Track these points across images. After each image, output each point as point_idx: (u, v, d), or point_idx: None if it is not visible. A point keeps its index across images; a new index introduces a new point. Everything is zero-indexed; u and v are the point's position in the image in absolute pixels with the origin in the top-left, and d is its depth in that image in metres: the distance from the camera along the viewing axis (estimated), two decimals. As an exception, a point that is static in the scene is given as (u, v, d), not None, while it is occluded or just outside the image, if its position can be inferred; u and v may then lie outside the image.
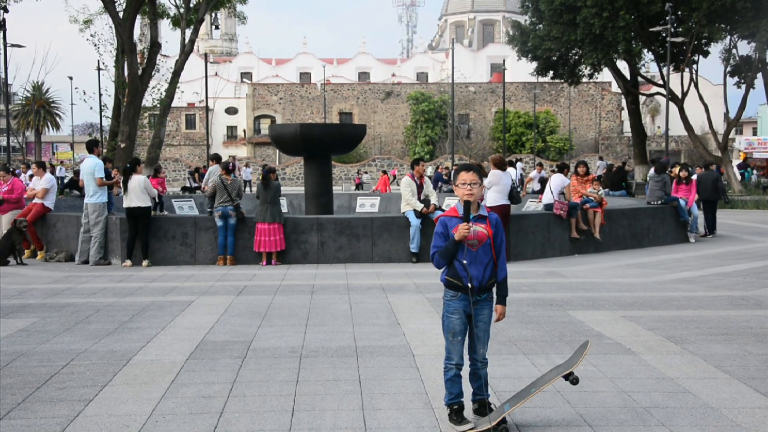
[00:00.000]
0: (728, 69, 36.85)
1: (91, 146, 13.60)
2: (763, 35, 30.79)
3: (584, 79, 39.58)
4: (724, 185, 21.66)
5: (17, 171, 23.58)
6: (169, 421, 4.73)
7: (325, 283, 10.74)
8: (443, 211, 11.81)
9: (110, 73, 28.81)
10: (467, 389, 4.69)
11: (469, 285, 4.48)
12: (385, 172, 31.47)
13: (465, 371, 4.63)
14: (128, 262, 12.79)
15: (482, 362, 4.62)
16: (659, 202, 16.17)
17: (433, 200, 13.29)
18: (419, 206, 12.97)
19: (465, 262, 4.48)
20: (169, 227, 13.22)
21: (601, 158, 46.48)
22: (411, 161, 13.97)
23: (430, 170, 44.92)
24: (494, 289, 4.64)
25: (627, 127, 57.07)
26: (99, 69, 39.07)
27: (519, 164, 29.86)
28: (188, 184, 29.12)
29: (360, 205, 20.51)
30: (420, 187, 13.19)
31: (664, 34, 33.10)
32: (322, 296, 9.53)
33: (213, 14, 64.51)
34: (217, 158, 18.12)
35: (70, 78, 55.36)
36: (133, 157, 17.49)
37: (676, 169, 17.39)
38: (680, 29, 32.27)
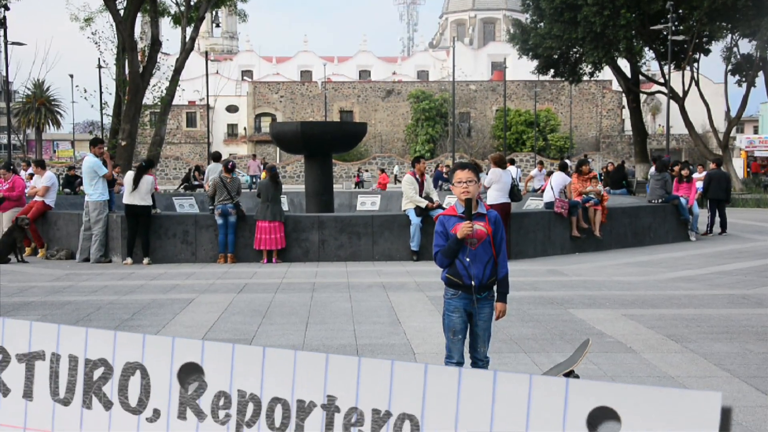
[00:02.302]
0: (729, 67, 36.83)
1: (91, 144, 13.63)
2: (764, 34, 30.76)
3: (585, 78, 39.57)
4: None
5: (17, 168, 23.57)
6: (170, 418, 4.72)
7: (325, 281, 10.74)
8: (444, 209, 11.82)
9: (111, 71, 28.80)
10: (468, 387, 4.68)
11: (472, 283, 4.48)
12: (383, 171, 31.53)
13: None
14: (129, 260, 12.79)
15: (483, 361, 4.62)
16: (660, 200, 16.16)
17: (435, 198, 13.30)
18: (423, 203, 12.94)
19: (468, 259, 4.48)
20: (170, 225, 13.23)
21: (585, 156, 46.29)
22: (411, 159, 13.97)
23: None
24: (495, 287, 4.64)
25: (628, 125, 57.05)
26: (100, 67, 39.08)
27: (513, 167, 29.80)
28: (189, 182, 29.10)
29: (360, 203, 20.50)
30: (421, 185, 13.19)
31: (665, 33, 33.10)
32: (323, 294, 9.53)
33: (214, 12, 64.59)
34: (215, 157, 18.05)
35: (71, 76, 55.26)
36: (148, 158, 17.46)
37: (677, 168, 17.36)
38: (681, 27, 32.25)
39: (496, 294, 4.63)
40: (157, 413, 1.85)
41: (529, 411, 1.61)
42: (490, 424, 1.64)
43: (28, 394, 1.90)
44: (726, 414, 1.42)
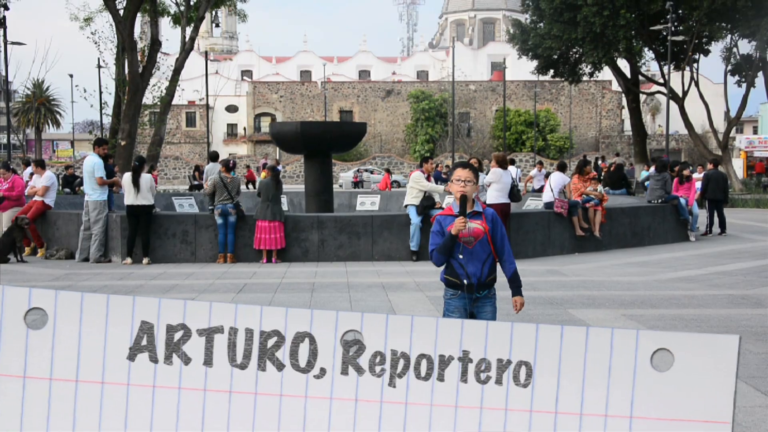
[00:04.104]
0: (729, 68, 36.82)
1: (95, 144, 13.63)
2: (763, 34, 30.78)
3: (585, 78, 39.55)
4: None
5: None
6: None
7: (325, 281, 10.74)
8: (442, 209, 11.83)
9: (111, 71, 28.81)
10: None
11: (466, 282, 4.48)
12: (388, 170, 31.62)
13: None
14: (129, 260, 12.79)
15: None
16: (660, 200, 16.16)
17: (437, 199, 13.32)
18: (440, 188, 13.17)
19: (461, 257, 4.48)
20: (170, 225, 13.22)
21: (585, 156, 46.16)
22: (420, 159, 14.09)
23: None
24: (495, 286, 4.63)
25: (627, 125, 57.06)
26: (99, 67, 39.05)
27: (512, 167, 29.80)
28: (190, 182, 29.14)
29: (360, 203, 20.50)
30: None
31: (664, 33, 33.10)
32: (323, 294, 9.54)
33: (213, 12, 64.55)
34: (213, 157, 18.01)
35: (71, 76, 55.25)
36: (138, 155, 17.44)
37: (677, 168, 17.34)
38: (681, 28, 32.25)
39: (511, 290, 4.62)
40: (323, 371, 2.26)
41: (612, 353, 2.21)
42: (584, 364, 2.22)
43: (208, 362, 2.26)
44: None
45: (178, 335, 2.26)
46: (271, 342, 2.26)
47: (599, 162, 32.76)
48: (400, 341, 2.24)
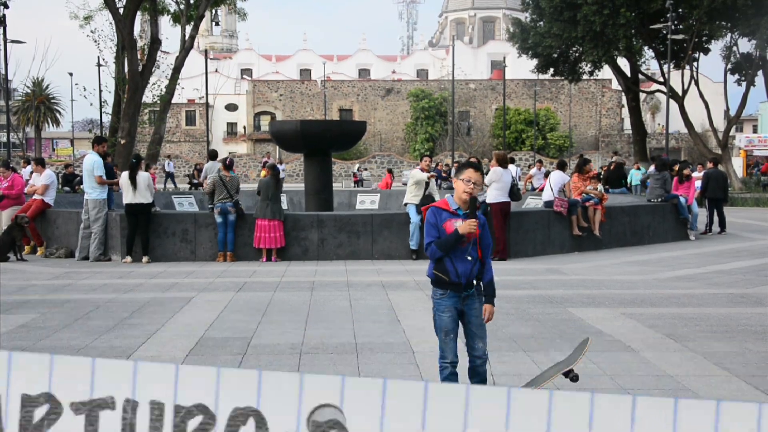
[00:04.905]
0: (729, 66, 36.80)
1: (94, 143, 13.62)
2: (763, 33, 30.77)
3: (585, 77, 39.53)
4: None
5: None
6: (169, 417, 4.71)
7: (325, 279, 10.74)
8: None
9: (110, 70, 28.84)
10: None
11: (460, 281, 4.56)
12: (390, 170, 31.59)
13: (461, 367, 4.67)
14: (128, 259, 12.78)
15: (482, 358, 4.63)
16: (659, 199, 16.16)
17: (437, 198, 13.32)
18: (425, 175, 13.20)
19: (455, 258, 4.56)
20: (169, 224, 13.22)
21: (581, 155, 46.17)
22: (420, 157, 14.17)
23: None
24: (481, 285, 4.69)
25: (627, 124, 57.03)
26: (99, 65, 39.04)
27: (512, 166, 29.77)
28: (190, 181, 29.14)
29: (360, 202, 20.50)
30: (426, 183, 13.26)
31: (664, 32, 33.09)
32: (322, 293, 9.53)
33: (213, 11, 64.47)
34: (212, 155, 18.00)
35: (70, 74, 55.26)
36: (135, 153, 17.43)
37: (677, 167, 17.34)
38: (681, 27, 32.26)
39: (483, 297, 4.68)
40: None
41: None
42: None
43: None
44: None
45: (40, 412, 1.46)
46: (192, 424, 1.44)
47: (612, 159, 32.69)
48: (403, 422, 1.44)
